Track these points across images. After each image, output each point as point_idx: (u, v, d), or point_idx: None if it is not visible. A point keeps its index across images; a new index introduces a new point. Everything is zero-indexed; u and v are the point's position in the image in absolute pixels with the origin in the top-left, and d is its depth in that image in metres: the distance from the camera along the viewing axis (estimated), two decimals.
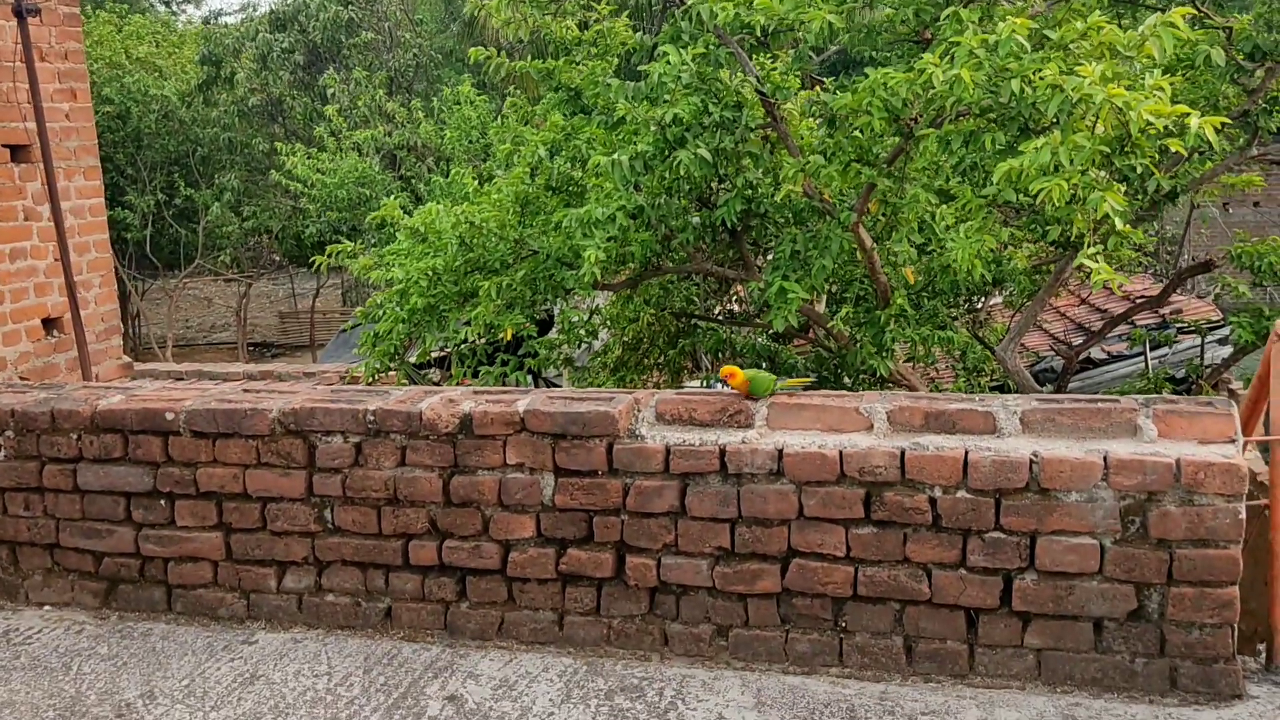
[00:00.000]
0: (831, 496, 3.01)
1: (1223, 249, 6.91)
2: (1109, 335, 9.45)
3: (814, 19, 4.76)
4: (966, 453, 2.91)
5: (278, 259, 21.18)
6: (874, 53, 6.24)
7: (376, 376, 6.32)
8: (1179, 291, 9.90)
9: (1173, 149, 4.11)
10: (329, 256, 7.55)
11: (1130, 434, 2.90)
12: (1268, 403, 2.96)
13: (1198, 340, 9.02)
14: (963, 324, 8.45)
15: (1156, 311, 8.59)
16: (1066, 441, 2.92)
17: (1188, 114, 3.87)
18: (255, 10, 24.69)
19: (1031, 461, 2.86)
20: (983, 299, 8.33)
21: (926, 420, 3.04)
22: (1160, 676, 2.87)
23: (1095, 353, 10.17)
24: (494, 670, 3.21)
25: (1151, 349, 9.42)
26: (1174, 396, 3.03)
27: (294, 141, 16.16)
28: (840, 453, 3.00)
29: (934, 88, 4.29)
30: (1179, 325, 9.08)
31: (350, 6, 17.77)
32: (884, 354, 5.58)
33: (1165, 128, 4.01)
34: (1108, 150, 4.12)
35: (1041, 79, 4.18)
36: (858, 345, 5.69)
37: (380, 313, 6.42)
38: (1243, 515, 2.74)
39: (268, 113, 18.70)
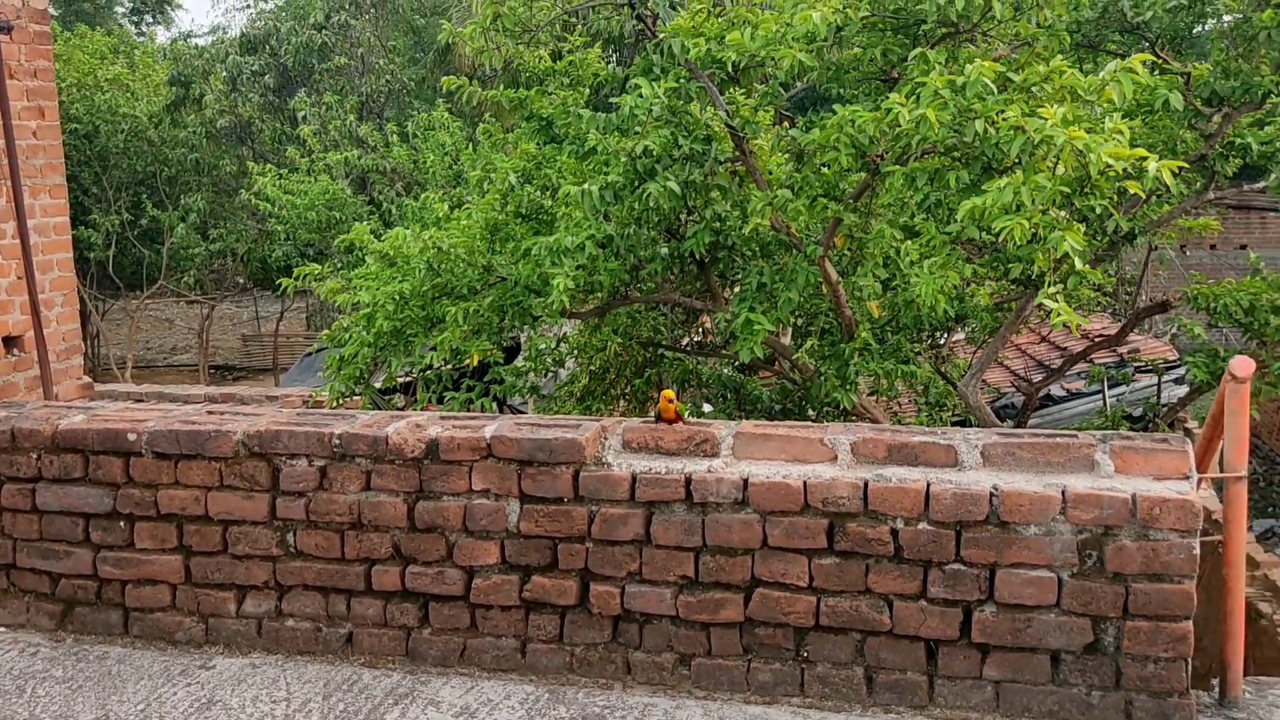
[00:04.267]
0: (795, 526, 3.04)
1: (1179, 290, 7.05)
2: (1068, 373, 9.58)
3: (784, 56, 4.84)
4: (929, 485, 2.95)
5: (242, 281, 21.04)
6: (842, 90, 6.35)
7: (341, 401, 6.29)
8: (1136, 331, 10.08)
9: (1131, 191, 4.20)
10: (296, 279, 7.52)
11: (1088, 469, 2.95)
12: (1221, 441, 3.02)
13: (1154, 379, 9.18)
14: (926, 359, 8.54)
15: (1115, 351, 8.73)
16: (1026, 475, 2.96)
17: (1146, 157, 3.96)
18: (226, 32, 24.63)
19: (992, 494, 2.91)
20: (945, 334, 8.43)
21: (890, 452, 3.08)
22: (1115, 710, 2.90)
23: (1055, 390, 10.31)
24: (455, 697, 3.20)
25: (1110, 387, 9.57)
26: (1131, 434, 3.09)
27: (264, 163, 16.10)
28: (805, 483, 3.03)
29: (900, 126, 4.37)
30: (1136, 365, 9.24)
31: (323, 31, 17.76)
32: (848, 386, 5.63)
33: (1124, 170, 4.10)
34: (1068, 191, 4.21)
35: (1004, 120, 4.27)
36: (822, 378, 5.74)
37: (346, 336, 6.40)
38: (1197, 550, 2.79)
39: (236, 135, 18.62)
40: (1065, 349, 10.27)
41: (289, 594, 3.49)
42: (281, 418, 3.57)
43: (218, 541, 3.51)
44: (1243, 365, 2.84)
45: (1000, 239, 4.22)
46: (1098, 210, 4.47)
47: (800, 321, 7.33)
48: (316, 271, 7.60)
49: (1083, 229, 4.28)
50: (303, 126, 15.89)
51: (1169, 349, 10.25)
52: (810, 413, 6.50)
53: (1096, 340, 7.24)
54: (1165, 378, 8.93)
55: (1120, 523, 2.82)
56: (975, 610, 2.96)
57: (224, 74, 17.98)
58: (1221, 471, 2.97)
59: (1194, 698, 2.91)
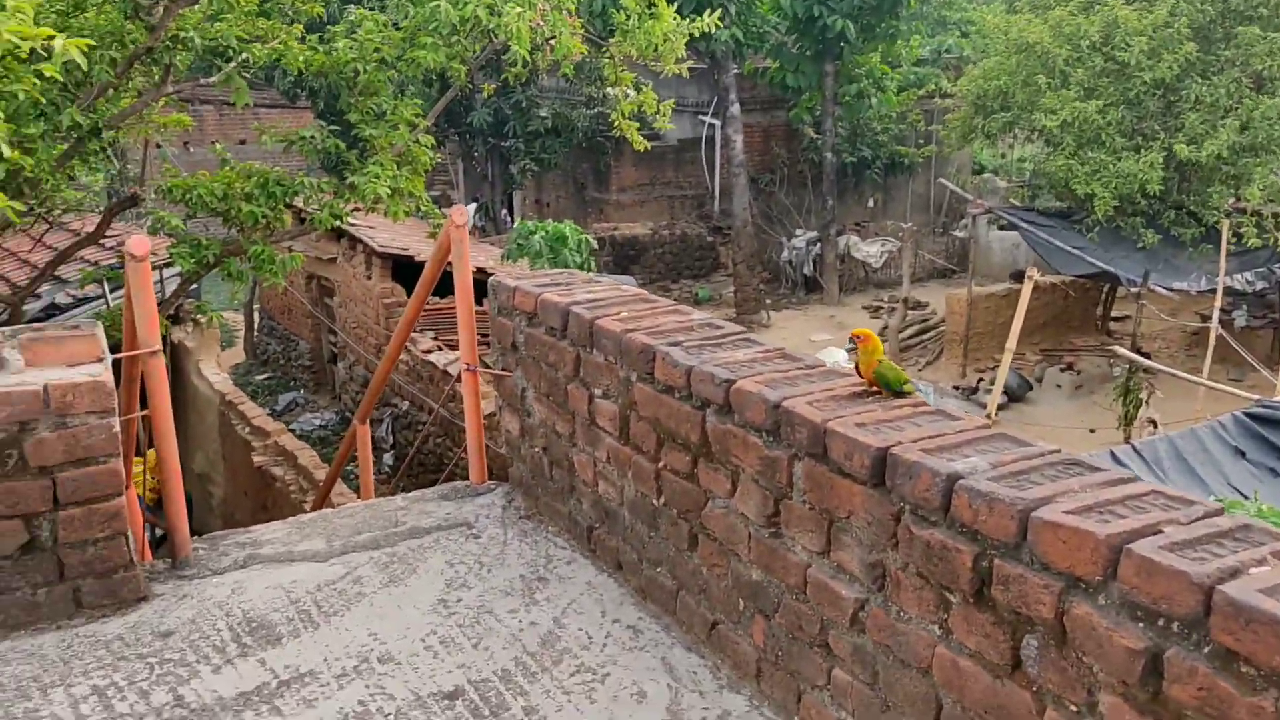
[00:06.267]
0: None
1: (153, 184, 7.14)
2: (73, 279, 9.17)
3: None
4: None
5: None
6: None
7: None
8: (128, 226, 10.02)
9: (50, 74, 4.03)
10: None
11: None
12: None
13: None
14: None
15: (107, 248, 8.56)
16: None
17: (54, 36, 3.82)
18: None
19: None
20: None
21: None
22: (65, 600, 2.88)
23: (62, 298, 9.83)
24: None
25: (116, 288, 9.41)
26: (43, 325, 3.02)
27: None
28: None
29: None
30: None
31: None
32: None
33: (38, 52, 3.92)
34: None
35: None
36: None
37: None
38: (117, 429, 2.86)
39: None
40: (67, 253, 9.80)
41: None
42: None
43: None
44: (138, 244, 2.94)
45: None
46: (21, 96, 4.22)
47: None
48: None
49: (2, 117, 4.01)
50: None
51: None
52: None
53: (80, 239, 7.01)
54: (168, 272, 9.07)
55: (36, 415, 2.75)
56: None
57: None
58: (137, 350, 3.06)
59: (141, 569, 3.03)
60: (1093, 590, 1.69)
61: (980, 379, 15.35)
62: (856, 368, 2.42)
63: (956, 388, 14.96)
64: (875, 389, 2.36)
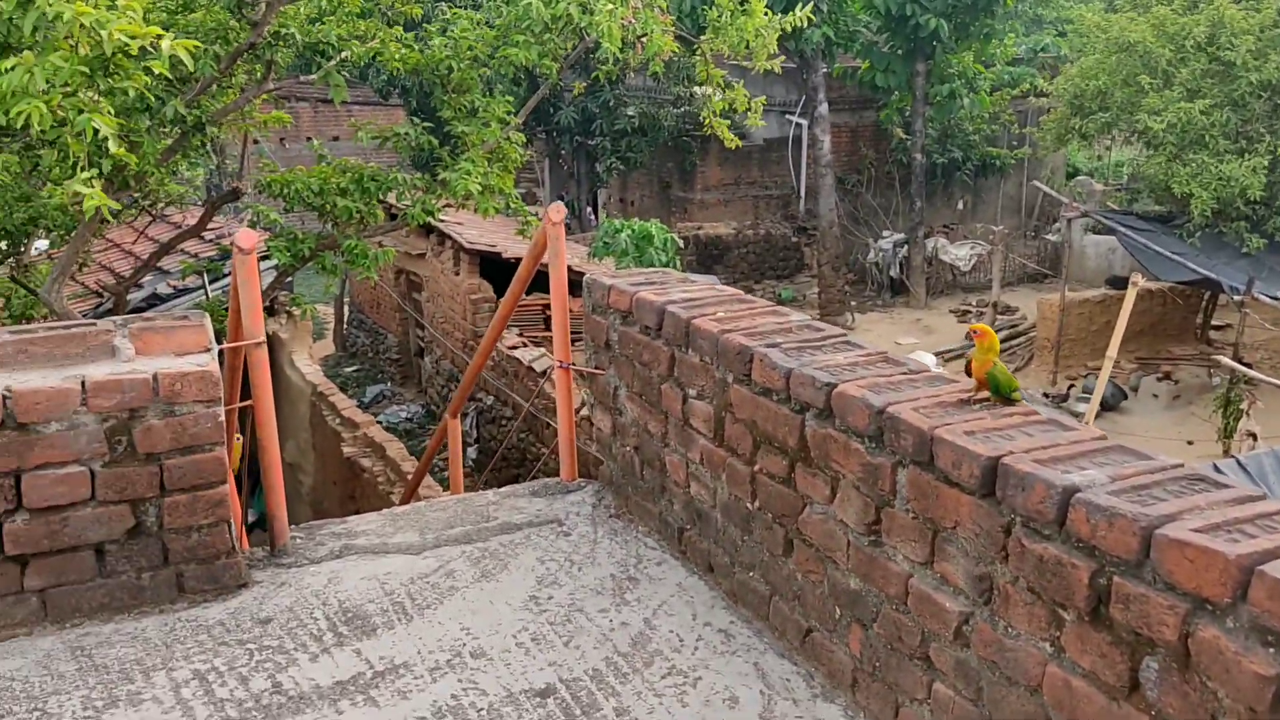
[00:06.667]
0: None
1: (252, 178, 7.30)
2: (175, 271, 9.43)
3: None
4: None
5: None
6: None
7: None
8: (227, 220, 10.26)
9: (159, 71, 4.13)
10: None
11: (109, 355, 2.88)
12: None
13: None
14: (8, 270, 7.76)
15: (207, 241, 8.77)
16: (43, 371, 2.80)
17: (161, 35, 3.91)
18: None
19: (4, 397, 2.69)
20: (25, 241, 7.71)
21: None
22: (168, 585, 2.95)
23: (163, 289, 10.11)
24: None
25: (215, 280, 9.65)
26: (152, 315, 3.09)
27: None
28: None
29: None
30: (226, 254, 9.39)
31: None
32: None
33: (146, 49, 4.02)
34: (88, 71, 4.01)
35: None
36: None
37: None
38: (222, 418, 2.91)
39: None
40: (169, 245, 10.08)
41: None
42: None
43: None
44: (245, 238, 2.99)
45: (20, 125, 3.88)
46: (131, 93, 4.33)
47: None
48: None
49: (111, 111, 4.12)
50: None
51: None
52: None
53: (182, 231, 7.20)
54: (264, 265, 9.27)
55: (145, 403, 2.82)
56: (5, 522, 2.75)
57: None
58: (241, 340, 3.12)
59: (242, 556, 3.09)
60: (1220, 613, 1.62)
61: (1071, 386, 14.98)
62: (968, 366, 2.36)
63: (1046, 395, 14.62)
64: (983, 390, 2.29)
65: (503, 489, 3.83)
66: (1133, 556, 1.73)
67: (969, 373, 2.36)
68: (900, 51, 18.87)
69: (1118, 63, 15.17)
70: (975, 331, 2.37)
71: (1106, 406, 13.85)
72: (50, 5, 3.83)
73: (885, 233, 20.82)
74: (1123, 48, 15.02)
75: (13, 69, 3.77)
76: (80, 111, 3.94)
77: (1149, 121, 14.27)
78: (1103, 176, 23.26)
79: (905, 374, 2.48)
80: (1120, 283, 16.07)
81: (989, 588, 2.05)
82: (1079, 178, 22.39)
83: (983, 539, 2.03)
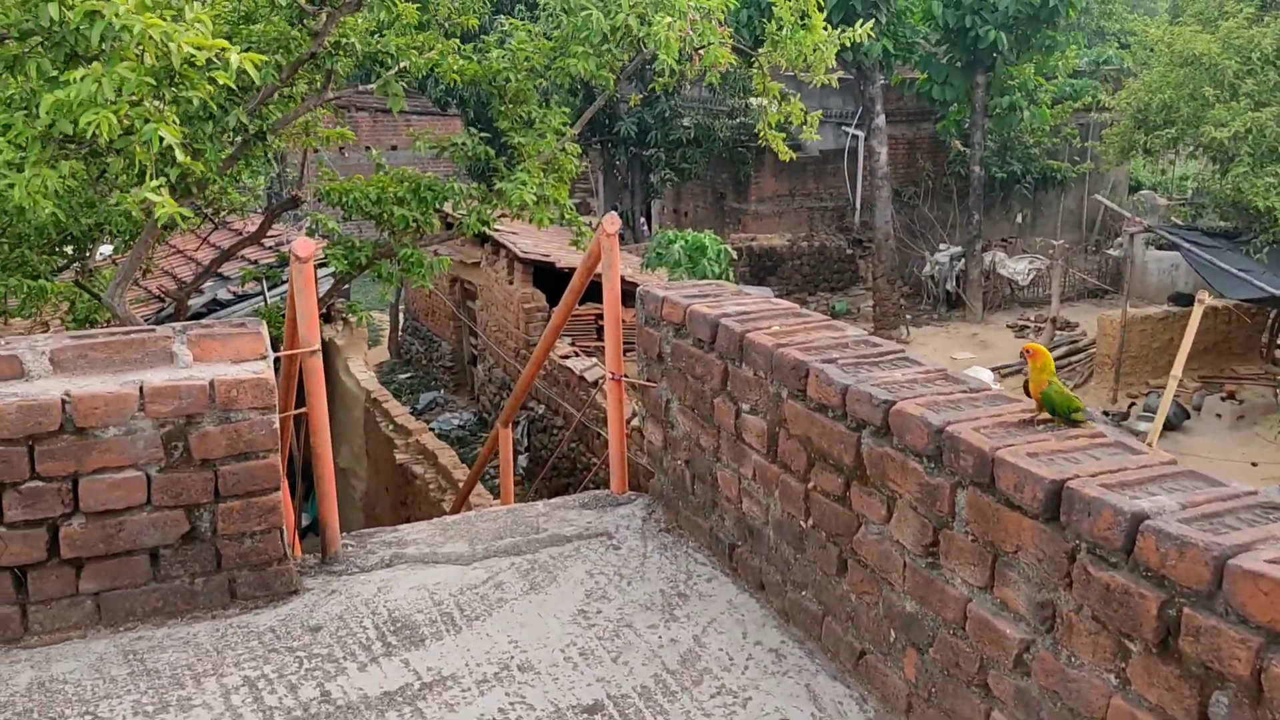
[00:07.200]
0: None
1: (311, 187, 7.39)
2: (234, 277, 9.56)
3: None
4: None
5: None
6: None
7: None
8: (286, 227, 10.38)
9: (223, 82, 4.19)
10: None
11: (167, 361, 2.91)
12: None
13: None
14: (73, 274, 7.90)
15: (266, 247, 8.88)
16: (102, 376, 2.83)
17: (226, 48, 3.97)
18: None
19: (64, 402, 2.72)
20: (90, 246, 7.86)
21: None
22: (221, 590, 2.97)
23: (223, 294, 10.25)
24: None
25: (274, 286, 9.76)
26: (210, 322, 3.12)
27: None
28: None
29: None
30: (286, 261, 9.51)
31: None
32: None
33: (212, 61, 4.07)
34: (154, 82, 4.07)
35: (80, 2, 3.96)
36: None
37: None
38: (276, 425, 2.93)
39: None
40: (230, 252, 10.24)
41: None
42: None
43: None
44: (303, 246, 3.01)
45: (89, 134, 3.95)
46: (195, 102, 4.40)
47: None
48: None
49: (178, 122, 4.18)
50: None
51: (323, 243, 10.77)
52: None
53: (243, 238, 7.30)
54: (322, 273, 9.37)
55: (201, 410, 2.84)
56: (62, 525, 2.78)
57: None
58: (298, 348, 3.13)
59: (294, 563, 3.10)
60: None
61: (1132, 404, 14.68)
62: (1026, 385, 2.30)
63: (1107, 413, 14.34)
64: (1044, 412, 2.23)
65: (553, 500, 3.82)
66: (1204, 587, 1.67)
67: (1027, 392, 2.30)
68: (959, 63, 18.68)
69: (1183, 76, 14.88)
70: (1028, 351, 2.31)
71: (1169, 426, 13.54)
72: (118, 17, 3.90)
73: (942, 246, 20.59)
74: (1188, 61, 14.74)
75: (82, 79, 3.84)
76: (147, 121, 4.00)
77: (1215, 133, 13.97)
78: (1166, 191, 22.82)
79: (965, 392, 2.42)
80: (1184, 299, 15.74)
81: (1051, 615, 1.99)
82: (1142, 192, 21.99)
83: (1045, 565, 1.97)
